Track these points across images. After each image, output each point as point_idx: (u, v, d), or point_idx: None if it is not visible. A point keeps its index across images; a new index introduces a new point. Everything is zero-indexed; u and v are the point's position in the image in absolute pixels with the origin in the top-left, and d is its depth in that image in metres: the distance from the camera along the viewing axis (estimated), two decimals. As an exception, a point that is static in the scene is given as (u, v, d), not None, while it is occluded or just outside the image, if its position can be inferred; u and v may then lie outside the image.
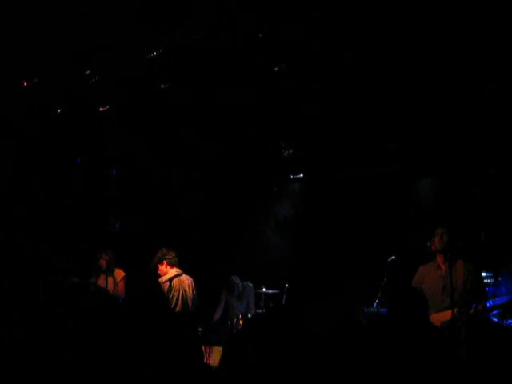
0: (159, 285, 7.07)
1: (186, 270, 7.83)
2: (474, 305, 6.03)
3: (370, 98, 8.00)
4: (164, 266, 7.60)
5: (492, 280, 7.43)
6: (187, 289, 7.59)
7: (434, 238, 6.51)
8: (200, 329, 7.67)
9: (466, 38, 6.52)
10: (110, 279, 8.10)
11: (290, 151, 9.14)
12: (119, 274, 8.35)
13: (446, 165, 8.73)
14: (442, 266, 6.49)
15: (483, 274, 7.30)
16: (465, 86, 7.49)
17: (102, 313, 3.94)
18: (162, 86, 7.21)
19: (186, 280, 7.63)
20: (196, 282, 7.82)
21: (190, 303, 7.56)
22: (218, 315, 9.35)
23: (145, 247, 9.52)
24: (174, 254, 7.65)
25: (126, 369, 3.41)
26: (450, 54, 6.84)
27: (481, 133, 8.04)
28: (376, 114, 8.41)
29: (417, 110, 8.14)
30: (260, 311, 8.91)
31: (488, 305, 6.35)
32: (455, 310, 5.93)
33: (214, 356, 7.74)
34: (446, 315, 5.95)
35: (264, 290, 9.05)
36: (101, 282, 7.98)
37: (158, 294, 4.05)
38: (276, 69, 6.47)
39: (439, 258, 6.54)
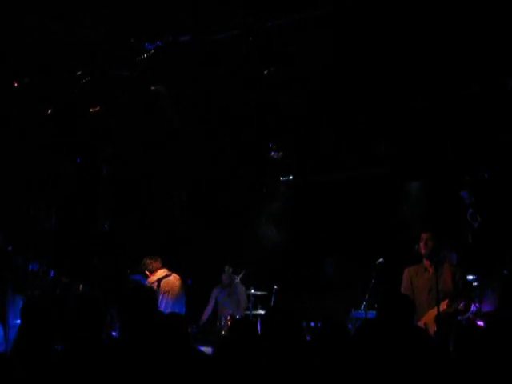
0: (150, 286, 7.11)
1: (174, 269, 7.87)
2: (461, 304, 6.10)
3: (360, 99, 8.05)
4: (148, 274, 7.72)
5: (478, 283, 7.48)
6: (176, 289, 7.63)
7: (419, 242, 6.56)
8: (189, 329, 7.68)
9: (454, 41, 6.57)
10: None
11: (280, 153, 9.17)
12: None
13: (435, 167, 8.77)
14: (429, 269, 6.54)
15: (470, 277, 7.35)
16: (454, 88, 7.55)
17: (92, 311, 3.96)
18: (153, 87, 7.23)
19: (175, 280, 7.67)
20: (184, 281, 7.87)
21: (179, 302, 7.60)
22: (206, 314, 9.36)
23: (134, 247, 9.55)
24: (150, 261, 7.73)
25: (120, 367, 3.43)
26: (439, 57, 6.89)
27: (470, 136, 8.09)
28: (366, 117, 8.46)
29: (406, 112, 8.19)
30: (248, 312, 8.92)
31: (473, 308, 6.42)
32: (445, 302, 6.01)
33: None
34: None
35: (253, 291, 9.07)
36: None
37: (148, 293, 4.07)
38: (266, 72, 6.49)
39: (426, 262, 6.60)
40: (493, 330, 3.53)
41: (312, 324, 7.12)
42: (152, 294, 4.78)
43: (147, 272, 7.72)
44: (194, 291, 9.49)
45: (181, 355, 3.35)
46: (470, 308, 6.32)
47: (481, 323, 6.12)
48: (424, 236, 6.54)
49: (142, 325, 3.57)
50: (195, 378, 3.29)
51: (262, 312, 8.71)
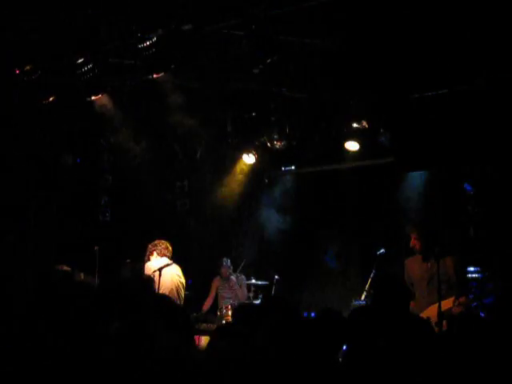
0: (148, 275, 7.12)
1: (177, 258, 7.87)
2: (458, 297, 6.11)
3: (363, 90, 8.03)
4: (154, 256, 7.67)
5: (480, 274, 7.48)
6: (177, 278, 7.64)
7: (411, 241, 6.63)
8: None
9: (457, 33, 6.54)
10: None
11: (282, 143, 9.14)
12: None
13: (437, 159, 8.75)
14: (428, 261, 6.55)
15: (471, 269, 7.35)
16: (458, 80, 7.53)
17: (89, 300, 3.97)
18: (155, 75, 7.20)
19: (176, 270, 7.68)
20: (186, 271, 7.87)
21: (179, 292, 7.61)
22: (208, 304, 9.37)
23: (136, 236, 9.55)
24: (164, 245, 7.71)
25: (116, 356, 3.43)
26: (444, 49, 6.87)
27: (473, 128, 8.07)
28: (368, 107, 8.45)
29: (409, 103, 8.18)
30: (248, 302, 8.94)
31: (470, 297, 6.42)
32: (452, 299, 6.01)
33: (203, 345, 7.79)
34: (446, 304, 5.99)
35: (254, 281, 9.07)
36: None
37: (146, 281, 4.08)
38: (269, 61, 6.46)
39: (422, 256, 6.63)
40: (494, 321, 3.53)
41: (312, 314, 7.13)
42: (150, 283, 4.79)
43: (155, 252, 7.67)
44: (195, 282, 9.51)
45: (183, 338, 3.35)
46: (468, 299, 6.32)
47: (482, 314, 6.12)
48: (411, 235, 6.59)
49: (139, 313, 3.57)
50: (196, 364, 3.29)
51: (263, 302, 8.72)
